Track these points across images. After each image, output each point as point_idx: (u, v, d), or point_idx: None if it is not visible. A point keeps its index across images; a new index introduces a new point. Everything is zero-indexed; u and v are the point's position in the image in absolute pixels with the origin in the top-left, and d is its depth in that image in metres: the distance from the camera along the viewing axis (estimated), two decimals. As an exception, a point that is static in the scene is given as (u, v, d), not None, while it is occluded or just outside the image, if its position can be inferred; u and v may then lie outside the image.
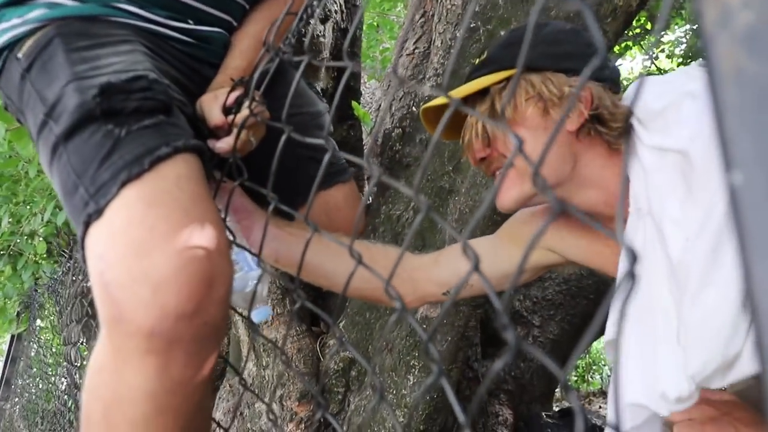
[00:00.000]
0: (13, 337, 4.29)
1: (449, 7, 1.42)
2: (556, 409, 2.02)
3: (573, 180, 0.76)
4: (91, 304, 2.15)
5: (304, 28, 1.32)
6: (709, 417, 0.65)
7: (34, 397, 3.79)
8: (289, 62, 0.80)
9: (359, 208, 1.12)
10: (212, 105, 0.88)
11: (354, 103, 1.54)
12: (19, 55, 0.82)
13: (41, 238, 3.21)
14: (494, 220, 1.15)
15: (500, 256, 0.93)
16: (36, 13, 0.83)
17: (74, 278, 2.71)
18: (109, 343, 0.65)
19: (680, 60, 3.36)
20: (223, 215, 0.84)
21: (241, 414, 1.61)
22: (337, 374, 1.41)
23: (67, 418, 2.72)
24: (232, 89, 0.87)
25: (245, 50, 0.97)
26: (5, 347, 4.71)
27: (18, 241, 3.18)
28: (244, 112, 0.80)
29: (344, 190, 1.15)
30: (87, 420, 0.68)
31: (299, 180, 1.07)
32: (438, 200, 1.27)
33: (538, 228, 0.90)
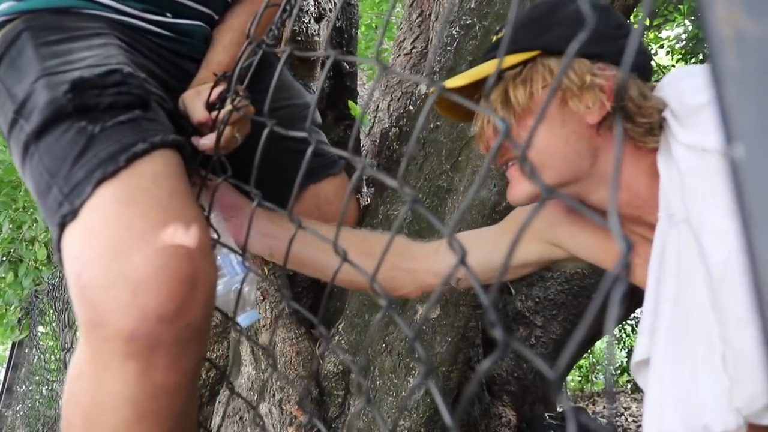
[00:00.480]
0: (14, 343, 4.29)
1: (446, 5, 1.41)
2: (560, 410, 2.00)
3: (592, 177, 0.70)
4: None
5: (297, 27, 1.30)
6: None
7: (37, 404, 3.78)
8: (273, 55, 0.78)
9: (345, 197, 1.10)
10: (195, 101, 0.86)
11: (351, 103, 1.53)
12: None
13: (41, 244, 3.20)
14: (492, 219, 1.13)
15: (501, 247, 0.89)
16: (3, 6, 0.80)
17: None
18: (88, 348, 0.63)
19: (680, 56, 3.34)
20: (207, 213, 0.82)
21: (241, 419, 1.60)
22: (337, 377, 1.39)
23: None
24: (215, 84, 0.84)
25: (228, 45, 0.94)
26: (7, 354, 4.71)
27: (17, 247, 3.17)
28: (228, 107, 0.78)
29: (335, 183, 1.13)
30: (67, 428, 0.66)
31: (289, 174, 1.05)
32: (436, 199, 1.26)
33: (545, 220, 0.88)
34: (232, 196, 0.97)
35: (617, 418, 4.23)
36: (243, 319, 0.89)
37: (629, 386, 5.16)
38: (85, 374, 0.64)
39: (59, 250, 0.66)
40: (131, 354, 0.60)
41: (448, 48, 1.29)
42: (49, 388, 3.42)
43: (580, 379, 5.96)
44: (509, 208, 1.06)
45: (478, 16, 1.23)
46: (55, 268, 3.23)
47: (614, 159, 0.70)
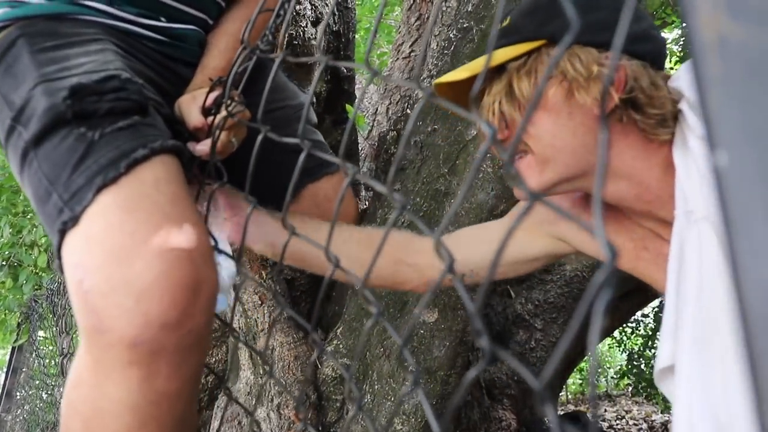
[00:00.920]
0: (14, 348, 4.28)
1: (444, 9, 1.41)
2: (561, 414, 1.99)
3: None
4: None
5: (294, 31, 1.30)
6: None
7: (37, 409, 3.77)
8: (269, 58, 0.78)
9: (337, 200, 1.10)
10: (191, 106, 0.86)
11: (348, 107, 1.53)
12: None
13: (41, 249, 3.20)
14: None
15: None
16: None
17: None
18: (89, 356, 0.63)
19: (678, 59, 3.34)
20: (205, 220, 0.82)
21: (240, 423, 1.59)
22: (335, 381, 1.38)
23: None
24: (211, 89, 0.84)
25: (224, 49, 0.94)
26: (6, 358, 4.71)
27: (17, 252, 3.17)
28: (223, 113, 0.78)
29: (333, 181, 1.12)
30: None
31: (286, 172, 1.05)
32: (434, 203, 1.25)
33: (548, 215, 0.87)
34: (231, 196, 0.97)
35: (618, 422, 4.22)
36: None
37: (630, 389, 5.15)
38: (85, 381, 0.64)
39: (60, 257, 0.66)
40: (134, 361, 0.60)
41: (446, 51, 1.28)
42: (49, 392, 3.41)
43: (581, 381, 5.95)
44: (507, 212, 1.05)
45: (475, 20, 1.23)
46: (54, 273, 3.22)
47: (627, 155, 0.67)
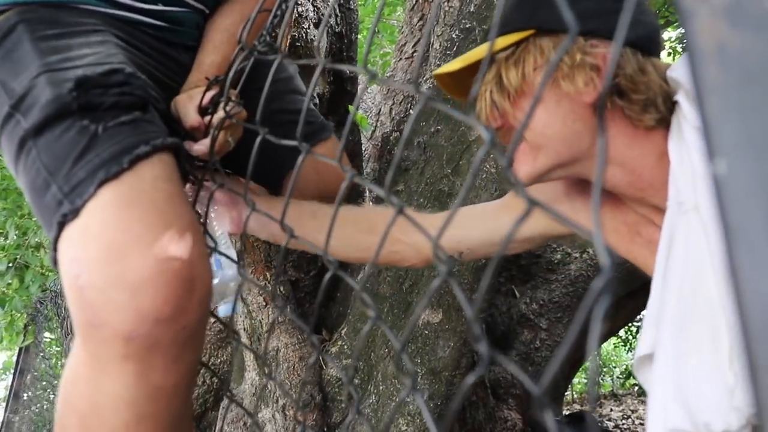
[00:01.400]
0: (21, 349, 4.30)
1: (447, 9, 1.40)
2: (566, 413, 1.99)
3: (593, 157, 0.68)
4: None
5: (297, 33, 1.30)
6: None
7: (44, 410, 3.79)
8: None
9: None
10: (187, 106, 0.85)
11: (351, 108, 1.53)
12: None
13: (47, 250, 3.21)
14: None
15: (502, 223, 0.88)
16: None
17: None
18: (85, 351, 0.63)
19: (681, 57, 3.33)
20: (204, 220, 0.82)
21: (245, 424, 1.60)
22: (340, 382, 1.39)
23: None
24: (208, 88, 0.84)
25: (219, 45, 0.93)
26: (14, 359, 4.73)
27: (24, 254, 3.18)
28: (220, 113, 0.78)
29: (327, 146, 1.12)
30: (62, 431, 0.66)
31: (283, 146, 1.04)
32: (437, 203, 1.25)
33: (545, 196, 0.86)
34: (226, 193, 0.96)
35: (624, 421, 4.20)
36: (221, 311, 0.90)
37: (636, 389, 5.13)
38: (81, 377, 0.64)
39: (55, 248, 0.65)
40: (129, 355, 0.60)
41: (448, 52, 1.28)
42: (55, 393, 3.42)
43: (586, 381, 5.94)
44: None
45: (477, 20, 1.23)
46: (58, 274, 3.23)
47: (619, 142, 0.67)
